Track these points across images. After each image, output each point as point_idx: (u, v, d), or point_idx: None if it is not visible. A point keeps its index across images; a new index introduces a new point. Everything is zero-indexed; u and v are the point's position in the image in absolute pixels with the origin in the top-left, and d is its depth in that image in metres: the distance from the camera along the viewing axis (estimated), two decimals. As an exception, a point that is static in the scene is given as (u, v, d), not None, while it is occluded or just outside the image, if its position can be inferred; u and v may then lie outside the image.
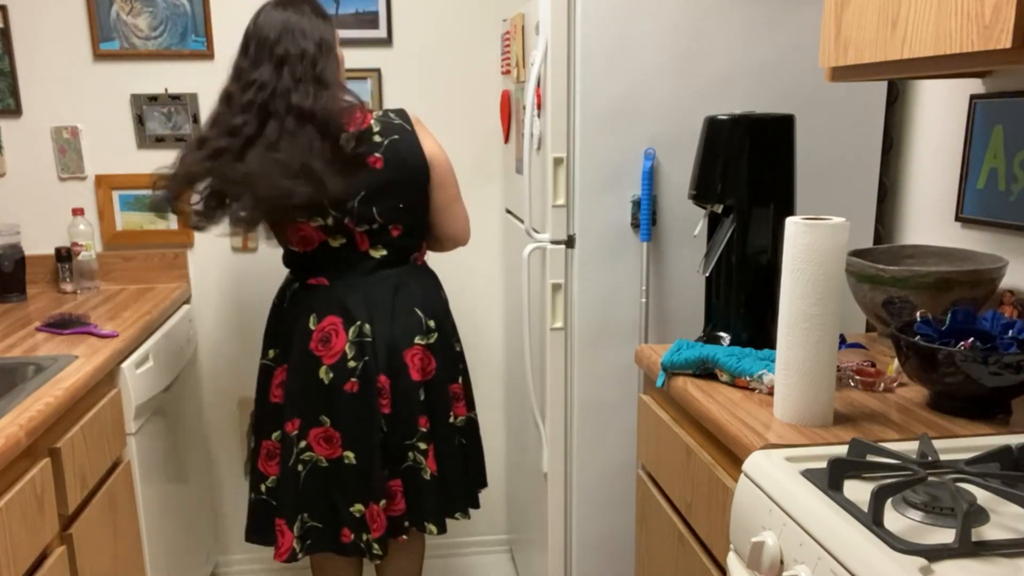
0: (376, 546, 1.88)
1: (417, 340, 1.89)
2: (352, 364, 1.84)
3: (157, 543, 2.02)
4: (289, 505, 1.89)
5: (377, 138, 1.83)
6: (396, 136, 1.85)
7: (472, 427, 2.06)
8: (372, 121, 1.85)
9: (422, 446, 1.90)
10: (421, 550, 2.14)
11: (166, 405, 2.17)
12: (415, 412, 1.89)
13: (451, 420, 1.97)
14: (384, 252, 1.89)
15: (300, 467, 1.87)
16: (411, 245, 1.94)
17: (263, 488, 1.96)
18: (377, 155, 1.82)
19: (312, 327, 1.86)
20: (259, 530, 1.97)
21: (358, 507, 1.87)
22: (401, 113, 1.89)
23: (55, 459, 1.49)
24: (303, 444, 1.87)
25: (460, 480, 2.01)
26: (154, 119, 2.42)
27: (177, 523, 2.22)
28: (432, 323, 1.93)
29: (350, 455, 1.86)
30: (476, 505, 2.07)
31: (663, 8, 1.78)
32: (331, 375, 1.84)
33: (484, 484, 2.12)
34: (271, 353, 1.95)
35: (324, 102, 1.75)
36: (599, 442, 1.96)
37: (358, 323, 1.85)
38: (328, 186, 1.73)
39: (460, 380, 2.01)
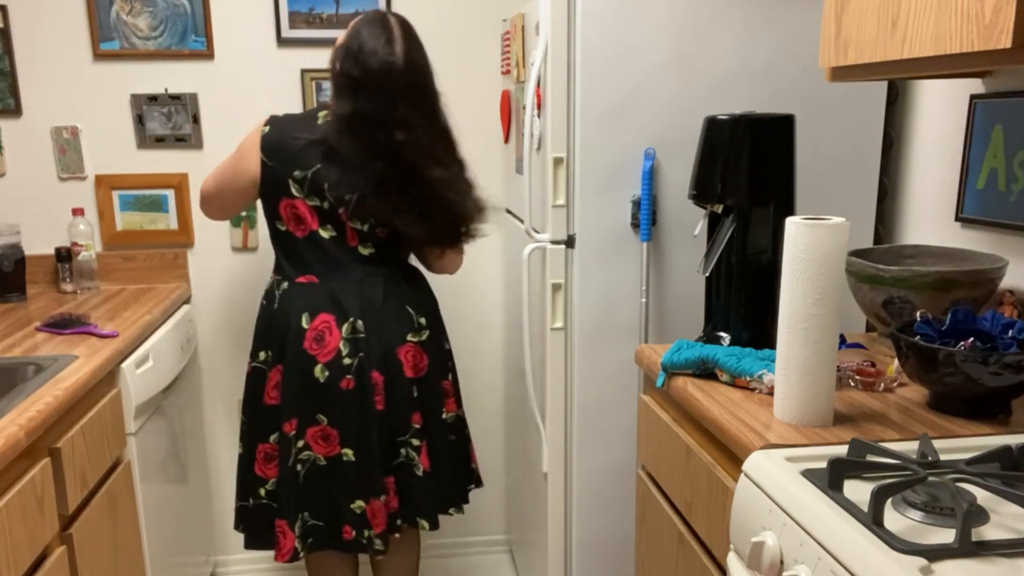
0: (379, 541, 1.89)
1: (410, 337, 1.92)
2: (347, 361, 1.85)
3: (157, 543, 2.02)
4: (289, 506, 1.89)
5: None
6: None
7: (461, 424, 2.08)
8: None
9: (415, 442, 1.92)
10: (417, 548, 2.15)
11: (166, 405, 2.17)
12: (409, 409, 1.92)
13: (443, 416, 2.00)
14: (372, 250, 1.91)
15: (299, 467, 1.88)
16: (398, 246, 1.95)
17: (262, 492, 1.95)
18: None
19: (305, 326, 1.86)
20: (259, 535, 1.98)
21: (359, 503, 1.88)
22: None
23: (55, 459, 1.49)
24: (301, 444, 1.87)
25: (453, 476, 2.03)
26: (154, 119, 2.42)
27: (177, 523, 2.22)
28: (423, 320, 1.96)
29: (349, 452, 1.87)
30: (467, 501, 2.09)
31: (663, 8, 1.78)
32: (326, 373, 1.85)
33: (476, 483, 2.13)
34: (262, 355, 1.95)
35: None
36: (599, 442, 1.96)
37: (351, 320, 1.86)
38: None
39: (450, 377, 2.03)
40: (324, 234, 1.88)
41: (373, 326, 1.87)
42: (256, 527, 1.98)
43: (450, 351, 2.07)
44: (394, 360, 1.90)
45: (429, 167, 1.82)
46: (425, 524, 1.96)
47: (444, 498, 2.02)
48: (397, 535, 1.96)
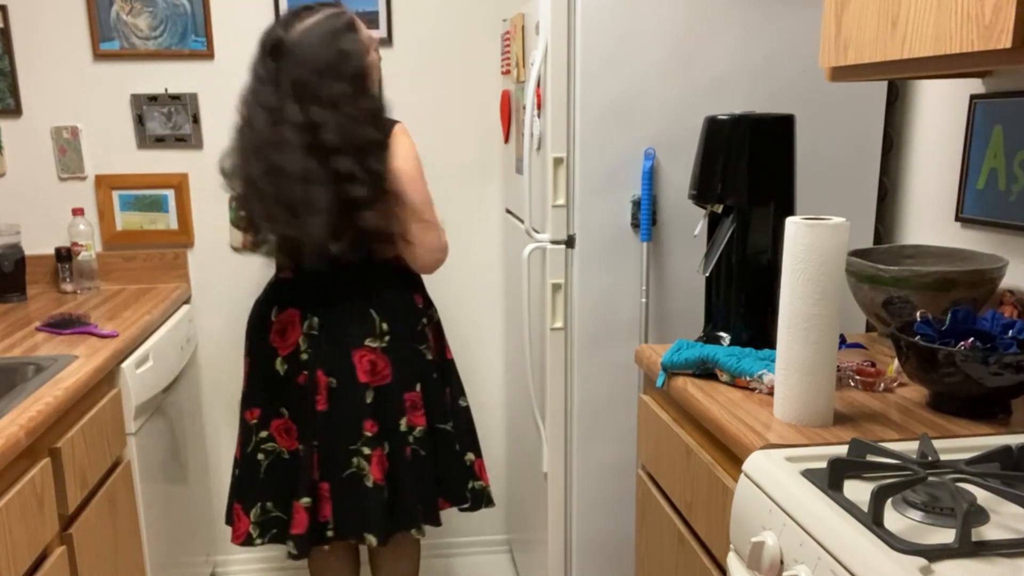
0: (291, 543, 1.86)
1: (368, 342, 1.86)
2: (304, 357, 1.87)
3: (157, 543, 2.02)
4: (247, 491, 1.93)
5: None
6: None
7: (435, 439, 1.96)
8: None
9: (366, 451, 1.85)
10: (416, 552, 2.13)
11: (166, 405, 2.17)
12: (359, 415, 1.84)
13: (402, 428, 1.89)
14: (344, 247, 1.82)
15: (260, 456, 1.91)
16: (376, 247, 1.86)
17: (236, 473, 2.00)
18: None
19: (273, 319, 1.90)
20: (231, 512, 2.01)
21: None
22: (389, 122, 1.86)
23: (55, 459, 1.49)
24: (264, 434, 1.91)
25: (413, 493, 1.91)
26: (154, 119, 2.42)
27: (177, 523, 2.22)
28: (386, 325, 1.87)
29: (303, 448, 1.89)
30: (435, 522, 1.96)
31: (663, 8, 1.78)
32: (285, 367, 1.88)
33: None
34: (246, 345, 1.99)
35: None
36: (599, 442, 1.96)
37: (309, 316, 1.87)
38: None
39: (419, 388, 1.92)
40: None
41: (329, 325, 1.86)
42: (231, 503, 2.01)
43: (435, 361, 1.96)
44: (346, 362, 1.84)
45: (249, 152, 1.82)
46: (372, 539, 1.84)
47: (401, 515, 1.89)
48: (327, 547, 1.92)
